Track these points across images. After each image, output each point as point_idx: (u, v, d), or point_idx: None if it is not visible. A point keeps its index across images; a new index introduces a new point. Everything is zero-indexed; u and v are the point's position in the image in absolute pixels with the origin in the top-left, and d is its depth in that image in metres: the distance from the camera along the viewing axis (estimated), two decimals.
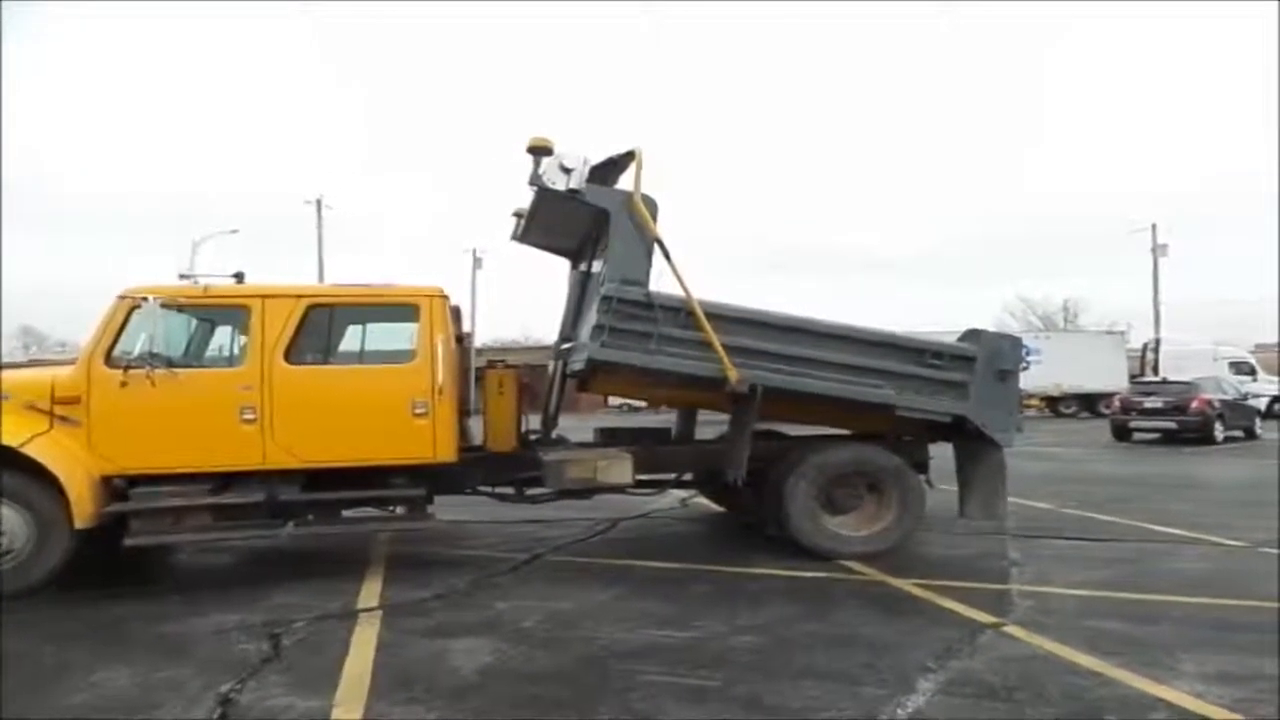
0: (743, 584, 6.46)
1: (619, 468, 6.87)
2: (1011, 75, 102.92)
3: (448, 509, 8.37)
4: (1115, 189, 79.08)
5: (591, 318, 6.83)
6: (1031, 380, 33.18)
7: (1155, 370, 29.61)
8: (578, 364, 7.25)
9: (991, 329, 8.04)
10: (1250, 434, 21.16)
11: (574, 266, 8.74)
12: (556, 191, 6.66)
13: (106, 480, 6.13)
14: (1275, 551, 7.43)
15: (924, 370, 7.25)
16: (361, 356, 6.88)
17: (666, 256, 6.81)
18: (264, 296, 6.42)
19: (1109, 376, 31.37)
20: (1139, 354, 33.77)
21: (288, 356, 6.38)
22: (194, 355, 6.70)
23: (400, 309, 6.73)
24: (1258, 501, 10.55)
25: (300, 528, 6.61)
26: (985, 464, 7.49)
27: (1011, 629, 5.18)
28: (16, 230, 58.29)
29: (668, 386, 7.36)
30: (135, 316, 6.15)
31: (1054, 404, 34.34)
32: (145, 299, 6.05)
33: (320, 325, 6.51)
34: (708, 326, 6.74)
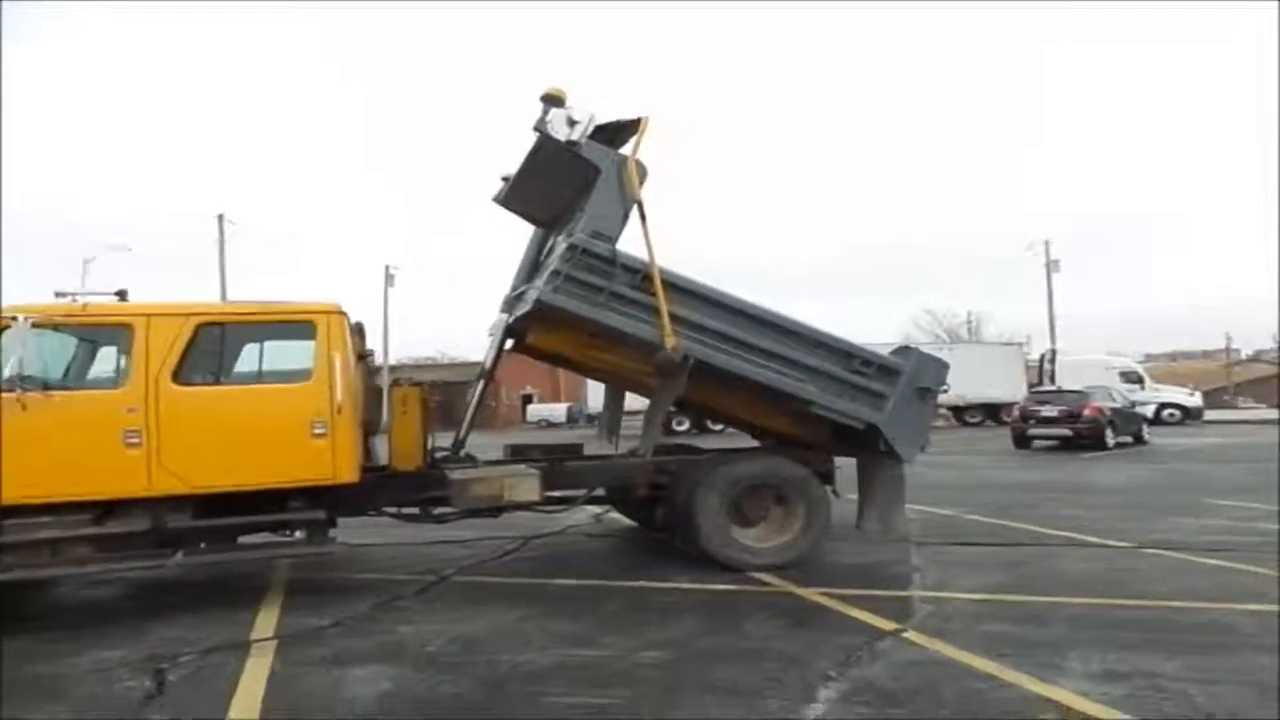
0: (652, 599, 6.43)
1: (526, 485, 6.78)
2: (925, 95, 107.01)
3: (356, 531, 8.14)
4: (1019, 207, 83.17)
5: (551, 264, 6.83)
6: None
7: (1052, 380, 31.03)
8: (525, 306, 7.19)
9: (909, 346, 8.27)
10: (1139, 439, 22.32)
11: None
12: (556, 141, 6.68)
13: None
14: (1157, 551, 7.82)
15: (849, 375, 7.39)
16: (256, 376, 6.59)
17: (643, 219, 6.90)
18: (149, 315, 6.12)
19: (1010, 386, 32.70)
20: (1038, 364, 35.36)
21: (176, 377, 6.08)
22: (74, 377, 6.34)
23: (295, 326, 6.49)
24: (1142, 504, 11.13)
25: (190, 556, 6.29)
26: (885, 477, 7.67)
27: (911, 635, 5.28)
28: None
29: (604, 349, 7.37)
30: (4, 337, 5.77)
31: (959, 414, 35.55)
32: (15, 318, 5.69)
33: (211, 344, 6.22)
34: (661, 292, 6.80)
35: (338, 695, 4.48)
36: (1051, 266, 40.50)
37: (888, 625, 5.48)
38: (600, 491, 8.12)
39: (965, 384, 34.07)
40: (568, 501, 7.81)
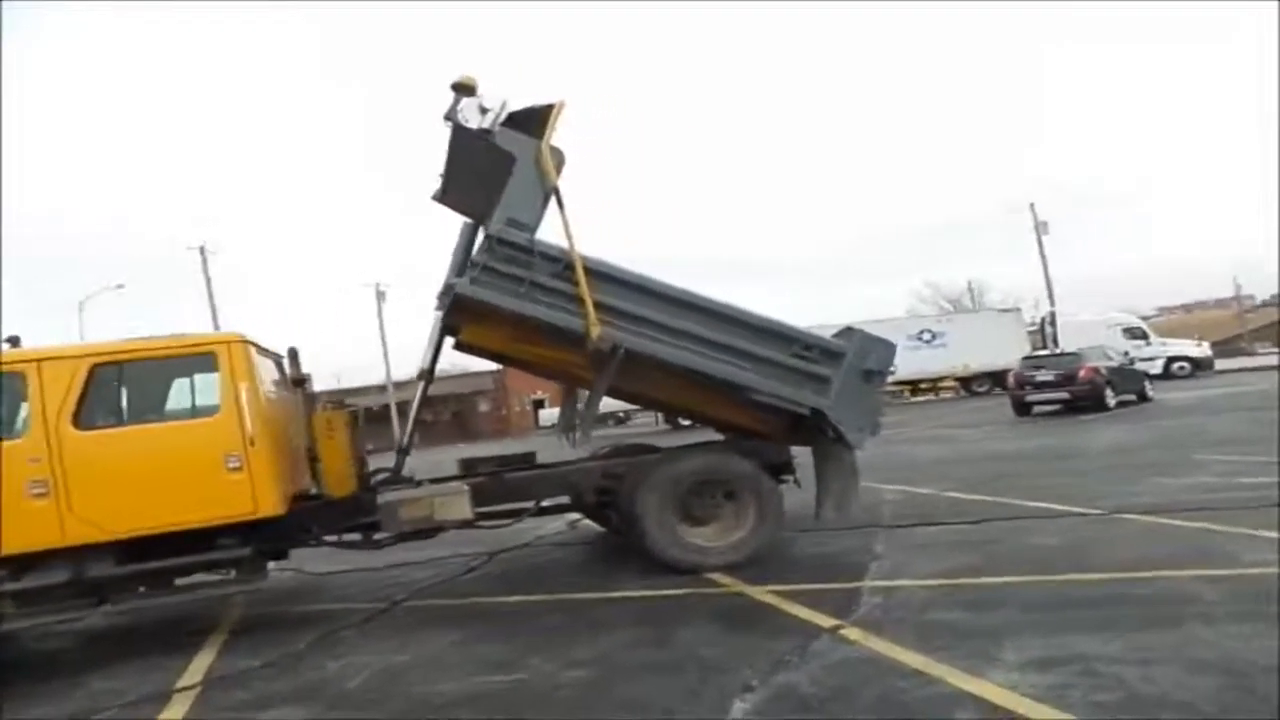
0: (596, 611, 6.20)
1: (456, 503, 6.56)
2: (908, 74, 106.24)
3: (320, 560, 7.94)
4: (1017, 177, 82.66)
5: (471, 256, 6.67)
6: (941, 362, 34.25)
7: (1055, 342, 30.52)
8: (448, 300, 7.00)
9: (860, 327, 7.85)
10: (1142, 397, 21.72)
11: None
12: (468, 130, 6.50)
13: None
14: (1132, 517, 7.51)
15: (791, 360, 7.09)
16: (163, 414, 6.39)
17: (560, 206, 6.70)
18: (39, 360, 5.93)
19: (1013, 352, 32.19)
20: (1038, 328, 34.88)
21: (76, 421, 5.89)
22: None
23: (196, 359, 6.27)
24: (1128, 465, 10.81)
25: (119, 604, 6.12)
26: (838, 465, 7.36)
27: (849, 631, 5.01)
28: None
29: (533, 343, 7.15)
30: None
31: (966, 384, 35.19)
32: None
33: (109, 384, 6.03)
34: (583, 280, 6.59)
35: None
36: (1040, 228, 39.91)
37: (827, 622, 5.21)
38: (565, 499, 7.92)
39: (967, 353, 33.89)
40: (515, 515, 7.56)
